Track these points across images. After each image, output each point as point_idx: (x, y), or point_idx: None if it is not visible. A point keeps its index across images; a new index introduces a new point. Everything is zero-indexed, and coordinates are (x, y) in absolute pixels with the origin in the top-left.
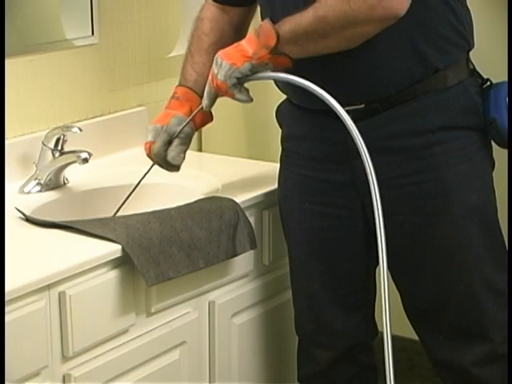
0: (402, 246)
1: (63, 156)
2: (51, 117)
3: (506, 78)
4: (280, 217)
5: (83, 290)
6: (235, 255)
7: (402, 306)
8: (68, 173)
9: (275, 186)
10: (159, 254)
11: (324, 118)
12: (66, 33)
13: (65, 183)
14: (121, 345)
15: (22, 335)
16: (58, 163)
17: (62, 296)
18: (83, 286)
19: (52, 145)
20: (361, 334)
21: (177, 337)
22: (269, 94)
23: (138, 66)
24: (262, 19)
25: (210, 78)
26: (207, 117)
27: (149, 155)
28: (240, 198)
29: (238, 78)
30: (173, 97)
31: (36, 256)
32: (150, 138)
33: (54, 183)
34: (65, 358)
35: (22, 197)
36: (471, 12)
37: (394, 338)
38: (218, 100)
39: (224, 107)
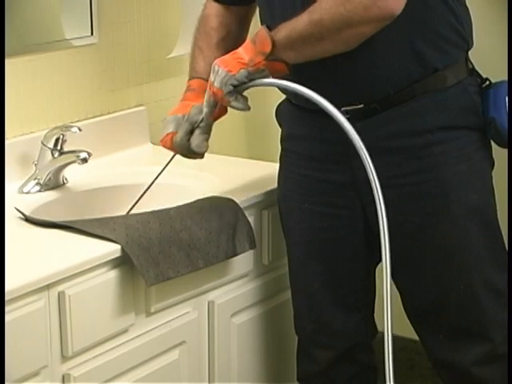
0: (402, 246)
1: (63, 156)
2: (51, 117)
3: (504, 77)
4: (280, 217)
5: (83, 289)
6: (235, 255)
7: (401, 306)
8: (67, 173)
9: (275, 185)
10: (159, 254)
11: (324, 118)
12: (66, 33)
13: (64, 183)
14: (120, 345)
15: (22, 335)
16: (57, 163)
17: (61, 296)
18: (82, 286)
19: (51, 145)
20: (360, 333)
21: (176, 337)
22: (269, 94)
23: (138, 65)
24: (262, 22)
25: (208, 85)
26: (223, 109)
27: (170, 147)
28: (239, 198)
29: (234, 86)
30: (187, 90)
31: (35, 256)
32: (170, 129)
33: (54, 183)
34: (64, 358)
35: (22, 197)
36: (470, 11)
37: (393, 337)
38: None
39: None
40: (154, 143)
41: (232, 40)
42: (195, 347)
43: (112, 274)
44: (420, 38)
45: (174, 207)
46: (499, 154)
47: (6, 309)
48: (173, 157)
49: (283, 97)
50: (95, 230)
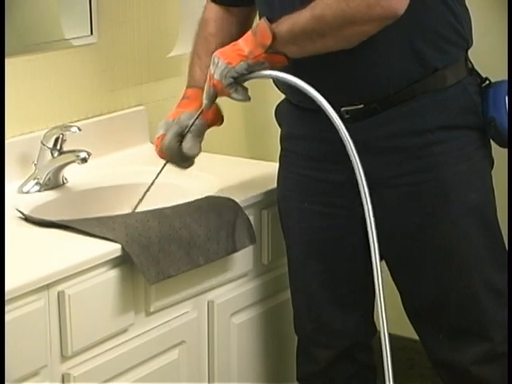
0: (402, 246)
1: (62, 156)
2: (50, 116)
3: (504, 77)
4: (279, 216)
5: (82, 289)
6: (235, 251)
7: (402, 306)
8: (67, 172)
9: (274, 185)
10: (159, 253)
11: (323, 118)
12: (65, 32)
13: (64, 183)
14: (120, 344)
15: (21, 335)
16: (56, 163)
17: (61, 295)
18: (82, 286)
19: (51, 144)
20: (360, 333)
21: (176, 336)
22: (268, 94)
23: (137, 65)
24: (260, 18)
25: (208, 77)
26: (218, 114)
27: (159, 152)
28: (239, 198)
29: (234, 78)
30: (183, 97)
31: (35, 255)
32: (160, 132)
33: (53, 183)
34: (64, 358)
35: (21, 196)
36: (470, 11)
37: (393, 337)
38: (218, 100)
39: (223, 107)
40: (153, 143)
41: None
42: (195, 347)
43: (111, 274)
44: (420, 38)
45: (173, 206)
46: (499, 153)
47: (6, 308)
48: (164, 165)
49: (283, 96)
50: (95, 229)
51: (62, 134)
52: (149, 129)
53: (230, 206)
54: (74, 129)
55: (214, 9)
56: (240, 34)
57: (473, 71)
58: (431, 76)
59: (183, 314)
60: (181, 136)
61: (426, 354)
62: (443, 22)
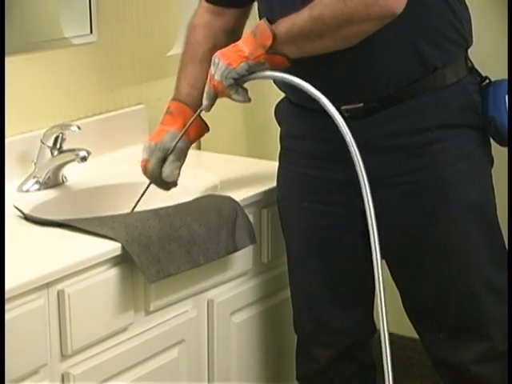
0: (402, 245)
1: (62, 154)
2: (50, 115)
3: (504, 76)
4: (279, 215)
5: (82, 288)
6: (235, 250)
7: (401, 305)
8: (67, 171)
9: (274, 184)
10: (159, 251)
11: (323, 117)
12: (65, 31)
13: (63, 181)
14: (120, 343)
15: (21, 334)
16: (56, 161)
17: (60, 294)
18: (82, 285)
19: (51, 143)
20: (360, 331)
21: (175, 335)
22: (268, 93)
23: (137, 64)
24: (260, 18)
25: (208, 78)
26: (202, 128)
27: (145, 173)
28: (239, 197)
29: (234, 79)
30: (167, 112)
31: (35, 254)
32: (144, 156)
33: (53, 182)
34: (64, 357)
35: (21, 195)
36: (470, 9)
37: (393, 336)
38: (217, 100)
39: (223, 106)
40: None
41: None
42: (194, 346)
43: (111, 273)
44: (420, 37)
45: (173, 205)
46: (499, 152)
47: (6, 307)
48: (148, 185)
49: (282, 95)
50: (95, 228)
51: (62, 133)
52: (148, 128)
53: (229, 205)
54: (74, 127)
55: (204, 15)
56: (229, 39)
57: (473, 70)
58: (431, 75)
59: (183, 312)
60: (163, 161)
61: (425, 353)
62: (443, 20)
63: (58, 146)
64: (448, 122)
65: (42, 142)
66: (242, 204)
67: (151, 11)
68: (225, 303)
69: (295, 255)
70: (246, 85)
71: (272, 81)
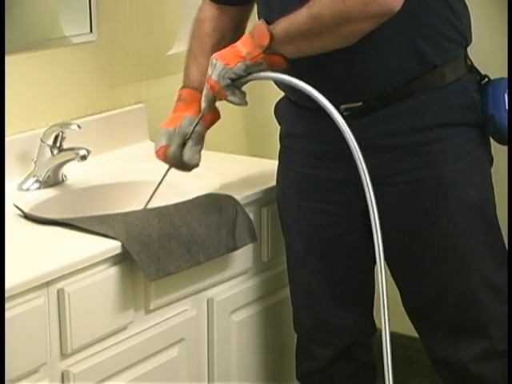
0: (401, 244)
1: (62, 153)
2: (50, 114)
3: (503, 74)
4: (278, 214)
5: (82, 287)
6: (235, 249)
7: (401, 304)
8: (66, 170)
9: (274, 183)
10: (159, 250)
11: (322, 116)
12: (65, 30)
13: (63, 180)
14: (119, 342)
15: (21, 332)
16: (56, 160)
17: (60, 293)
18: (82, 283)
19: (50, 142)
20: (360, 331)
21: (175, 334)
22: (268, 91)
23: (137, 62)
24: (259, 17)
25: (206, 79)
26: (216, 115)
27: (163, 159)
28: (239, 195)
29: (231, 79)
30: (178, 100)
31: (35, 253)
32: (163, 143)
33: (53, 180)
34: (63, 355)
35: (21, 194)
36: (469, 8)
37: (393, 335)
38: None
39: (223, 104)
40: (153, 140)
41: (226, 44)
42: (194, 344)
43: (111, 272)
44: (418, 35)
45: (173, 204)
46: (499, 151)
47: (6, 306)
48: (168, 169)
49: (282, 94)
50: (95, 227)
51: (62, 132)
52: (148, 126)
53: (229, 204)
54: (74, 126)
55: (209, 8)
56: (235, 33)
57: (472, 68)
58: (430, 73)
59: (183, 311)
60: (184, 146)
61: (424, 352)
62: (441, 18)
63: (57, 144)
64: (447, 120)
65: (41, 140)
66: (241, 202)
67: (151, 10)
68: (225, 302)
69: (295, 254)
70: (245, 84)
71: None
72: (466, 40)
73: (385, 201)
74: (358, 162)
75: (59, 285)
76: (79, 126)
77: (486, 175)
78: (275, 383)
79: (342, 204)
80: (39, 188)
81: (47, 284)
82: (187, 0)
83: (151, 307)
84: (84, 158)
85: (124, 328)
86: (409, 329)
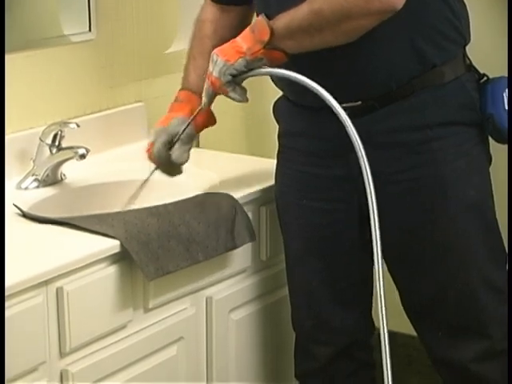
0: (401, 242)
1: (61, 152)
2: (49, 113)
3: (502, 73)
4: (277, 213)
5: (81, 285)
6: (234, 247)
7: (400, 303)
8: (65, 169)
9: (273, 182)
10: (158, 249)
11: (320, 115)
12: (64, 29)
13: (62, 179)
14: (118, 340)
15: (20, 331)
16: (55, 159)
17: (59, 292)
18: (81, 282)
19: (49, 141)
20: (359, 330)
21: (174, 333)
22: (267, 90)
23: (136, 61)
24: (257, 15)
25: (206, 75)
26: (210, 119)
27: (150, 157)
28: (237, 194)
29: (232, 75)
30: (175, 100)
31: (33, 252)
32: (150, 140)
33: (52, 179)
34: (62, 354)
35: (20, 193)
36: (468, 7)
37: (392, 334)
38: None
39: (222, 103)
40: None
41: None
42: (193, 343)
43: (110, 270)
44: (418, 35)
45: (172, 202)
46: (499, 150)
47: (5, 305)
48: (154, 170)
49: (281, 93)
50: (94, 226)
51: (61, 131)
52: (148, 125)
53: (228, 203)
54: (73, 125)
55: (211, 10)
56: (236, 35)
57: (471, 67)
58: (429, 72)
59: (182, 310)
60: (170, 144)
61: (424, 351)
62: (441, 18)
63: (56, 143)
64: (446, 119)
65: (40, 139)
66: (240, 201)
67: (150, 9)
68: (223, 300)
69: (294, 253)
70: (245, 82)
71: (270, 78)
72: (465, 39)
73: (385, 198)
74: (360, 156)
75: (58, 283)
76: (78, 125)
77: (485, 175)
78: (274, 382)
79: (342, 200)
80: (38, 187)
81: (46, 283)
82: None
83: (150, 306)
84: (83, 156)
85: (123, 327)
86: (407, 327)
